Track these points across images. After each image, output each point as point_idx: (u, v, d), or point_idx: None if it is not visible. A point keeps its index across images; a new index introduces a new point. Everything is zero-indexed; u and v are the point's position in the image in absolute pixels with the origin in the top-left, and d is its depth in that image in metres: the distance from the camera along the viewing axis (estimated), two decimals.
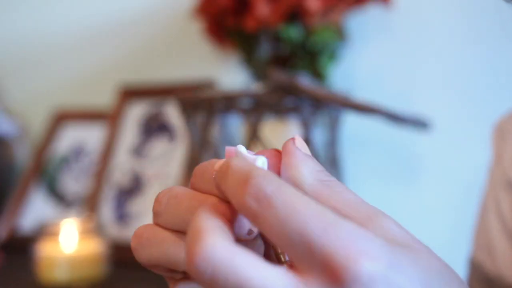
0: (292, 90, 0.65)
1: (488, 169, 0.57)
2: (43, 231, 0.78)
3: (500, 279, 0.51)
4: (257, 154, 0.28)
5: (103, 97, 1.07)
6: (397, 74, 0.88)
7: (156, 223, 0.29)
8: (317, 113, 0.71)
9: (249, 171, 0.25)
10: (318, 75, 0.81)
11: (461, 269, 0.88)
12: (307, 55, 0.80)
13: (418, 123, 0.70)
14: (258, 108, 0.68)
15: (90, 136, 1.04)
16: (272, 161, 0.28)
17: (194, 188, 0.29)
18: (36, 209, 1.02)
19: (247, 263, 0.23)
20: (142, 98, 0.99)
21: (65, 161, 1.04)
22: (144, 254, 0.28)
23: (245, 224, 0.27)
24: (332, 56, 0.82)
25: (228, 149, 0.29)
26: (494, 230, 0.53)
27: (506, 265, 0.51)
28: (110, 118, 1.00)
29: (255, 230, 0.27)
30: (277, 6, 0.76)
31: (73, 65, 1.13)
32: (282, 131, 0.76)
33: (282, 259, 0.26)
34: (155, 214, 0.29)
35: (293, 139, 0.28)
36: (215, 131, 0.81)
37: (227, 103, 0.68)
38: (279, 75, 0.66)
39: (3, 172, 1.10)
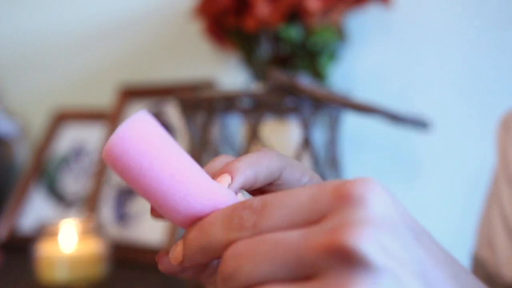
0: (292, 90, 0.65)
1: (493, 164, 0.57)
2: (43, 231, 0.78)
3: (499, 275, 0.51)
4: None
5: (103, 97, 1.07)
6: (397, 74, 0.88)
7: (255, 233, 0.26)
8: (317, 113, 0.71)
9: None
10: (318, 75, 0.81)
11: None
12: (307, 55, 0.80)
13: (418, 123, 0.70)
14: (258, 108, 0.68)
15: (90, 136, 1.04)
16: None
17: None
18: (36, 209, 1.02)
19: None
20: (142, 98, 0.99)
21: (65, 161, 1.04)
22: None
23: None
24: (332, 56, 0.82)
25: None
26: (495, 226, 0.53)
27: (505, 261, 0.51)
28: (110, 118, 1.00)
29: None
30: (277, 6, 0.76)
31: (73, 65, 1.13)
32: (282, 131, 0.76)
33: None
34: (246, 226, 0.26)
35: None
36: (215, 131, 0.81)
37: (227, 103, 0.68)
38: (279, 75, 0.66)
39: (3, 172, 1.10)
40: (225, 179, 0.29)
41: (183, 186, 0.27)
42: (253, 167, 0.30)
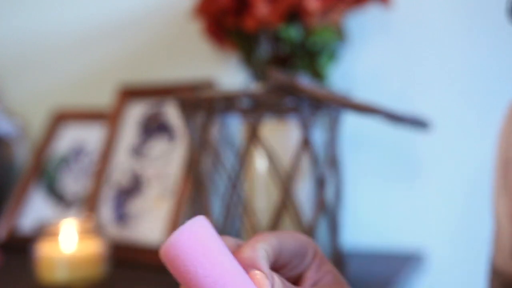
0: (291, 90, 0.65)
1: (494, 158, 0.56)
2: (43, 231, 0.78)
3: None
4: None
5: (103, 97, 1.07)
6: (397, 74, 0.88)
7: None
8: (317, 113, 0.71)
9: None
10: (318, 75, 0.81)
11: (465, 267, 0.88)
12: (307, 55, 0.80)
13: (417, 123, 0.70)
14: (258, 108, 0.68)
15: (90, 136, 1.04)
16: None
17: None
18: (36, 209, 1.02)
19: None
20: (142, 98, 0.99)
21: (65, 161, 1.04)
22: None
23: None
24: (332, 56, 0.82)
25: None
26: (503, 218, 0.52)
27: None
28: (110, 118, 1.00)
29: None
30: (277, 6, 0.76)
31: (73, 65, 1.13)
32: (281, 131, 0.76)
33: None
34: None
35: None
36: (215, 131, 0.81)
37: (227, 103, 0.68)
38: (279, 75, 0.66)
39: (3, 172, 1.10)
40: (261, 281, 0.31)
41: None
42: (270, 255, 0.32)
